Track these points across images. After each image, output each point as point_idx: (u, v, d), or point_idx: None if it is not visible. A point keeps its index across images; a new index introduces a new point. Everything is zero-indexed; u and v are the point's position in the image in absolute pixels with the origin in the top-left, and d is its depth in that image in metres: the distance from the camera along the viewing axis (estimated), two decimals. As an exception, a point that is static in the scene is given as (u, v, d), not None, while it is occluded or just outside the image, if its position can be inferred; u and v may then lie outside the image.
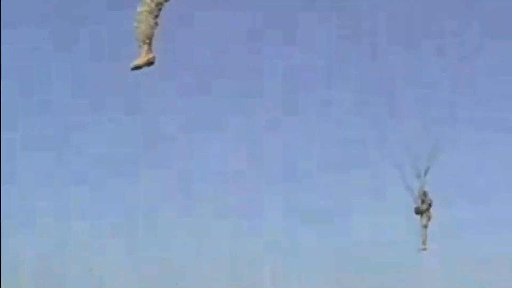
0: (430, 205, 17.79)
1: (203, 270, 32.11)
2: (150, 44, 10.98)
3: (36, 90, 37.12)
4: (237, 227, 32.67)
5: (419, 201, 17.72)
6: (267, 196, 33.56)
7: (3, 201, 31.10)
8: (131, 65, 10.89)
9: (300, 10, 28.86)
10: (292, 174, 34.66)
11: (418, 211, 17.79)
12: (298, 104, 34.51)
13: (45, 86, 37.06)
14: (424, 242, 18.04)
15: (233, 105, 34.23)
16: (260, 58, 35.41)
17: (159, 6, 10.60)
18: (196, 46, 33.61)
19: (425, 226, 17.84)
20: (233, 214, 33.47)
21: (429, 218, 17.71)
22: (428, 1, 19.76)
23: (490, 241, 28.99)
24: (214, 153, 35.89)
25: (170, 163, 34.54)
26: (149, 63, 11.00)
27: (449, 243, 25.48)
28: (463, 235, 28.90)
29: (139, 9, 10.57)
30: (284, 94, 34.41)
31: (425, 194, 17.64)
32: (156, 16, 10.64)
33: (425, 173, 16.80)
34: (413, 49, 19.38)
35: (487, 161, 32.48)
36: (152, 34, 10.84)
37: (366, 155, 28.69)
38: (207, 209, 33.56)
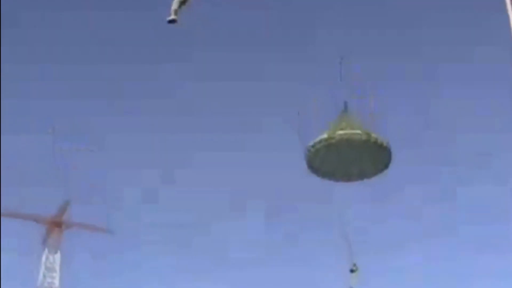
0: (357, 268, 30.72)
1: None
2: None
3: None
4: None
5: (352, 265, 30.75)
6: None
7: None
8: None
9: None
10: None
11: (351, 271, 30.69)
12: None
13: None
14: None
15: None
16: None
17: None
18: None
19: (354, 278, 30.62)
20: None
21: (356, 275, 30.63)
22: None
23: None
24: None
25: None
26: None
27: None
28: None
29: None
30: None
31: (355, 264, 30.76)
32: None
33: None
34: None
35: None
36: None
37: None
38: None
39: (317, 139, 30.31)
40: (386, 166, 31.62)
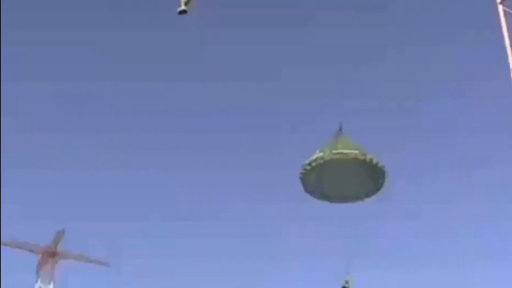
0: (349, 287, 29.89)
1: None
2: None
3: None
4: None
5: (344, 282, 29.89)
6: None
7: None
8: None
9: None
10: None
11: None
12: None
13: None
14: None
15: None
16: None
17: None
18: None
19: None
20: None
21: None
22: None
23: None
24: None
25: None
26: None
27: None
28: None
29: None
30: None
31: (347, 281, 29.85)
32: None
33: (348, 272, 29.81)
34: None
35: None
36: None
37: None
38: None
39: (312, 157, 30.24)
40: (380, 188, 31.55)
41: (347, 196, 31.75)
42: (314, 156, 30.23)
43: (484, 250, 76.78)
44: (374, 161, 30.32)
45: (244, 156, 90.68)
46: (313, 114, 76.06)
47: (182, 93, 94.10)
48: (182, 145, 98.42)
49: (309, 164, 30.34)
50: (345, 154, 29.93)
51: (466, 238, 79.28)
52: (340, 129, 31.39)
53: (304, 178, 30.90)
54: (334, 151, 29.94)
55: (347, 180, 31.35)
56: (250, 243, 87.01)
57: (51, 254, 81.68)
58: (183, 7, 18.52)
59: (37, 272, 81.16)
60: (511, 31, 22.85)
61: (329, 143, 30.86)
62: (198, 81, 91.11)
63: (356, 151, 30.03)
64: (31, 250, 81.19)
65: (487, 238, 77.51)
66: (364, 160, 30.12)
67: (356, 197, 31.86)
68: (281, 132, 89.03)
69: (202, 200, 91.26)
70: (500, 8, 23.23)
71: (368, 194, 31.82)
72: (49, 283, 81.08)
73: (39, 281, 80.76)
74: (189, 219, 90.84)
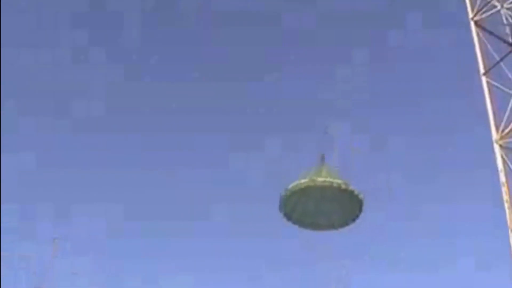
0: None
1: None
2: None
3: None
4: None
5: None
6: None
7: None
8: None
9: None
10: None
11: None
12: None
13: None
14: None
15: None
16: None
17: None
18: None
19: None
20: None
21: None
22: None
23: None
24: None
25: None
26: None
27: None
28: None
29: None
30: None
31: None
32: None
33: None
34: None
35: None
36: None
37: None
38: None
39: (297, 182, 30.61)
40: (355, 219, 32.21)
41: (323, 223, 32.33)
42: (300, 181, 30.64)
43: (484, 250, 78.06)
44: (356, 192, 30.97)
45: (242, 156, 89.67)
46: (314, 113, 76.18)
47: (182, 93, 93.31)
48: (181, 144, 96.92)
49: (293, 188, 30.71)
50: (330, 182, 30.46)
51: (466, 238, 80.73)
52: (322, 159, 32.02)
53: (285, 201, 31.28)
54: (320, 179, 30.42)
55: (326, 208, 31.91)
56: (249, 243, 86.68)
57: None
58: None
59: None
60: (494, 102, 23.10)
61: (311, 171, 31.33)
62: (198, 81, 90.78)
63: (340, 181, 30.61)
64: None
65: (487, 238, 79.01)
66: (346, 190, 30.71)
67: (331, 226, 32.45)
68: (280, 132, 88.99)
69: (198, 200, 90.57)
70: (484, 79, 23.52)
71: (342, 224, 32.46)
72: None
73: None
74: (185, 219, 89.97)
